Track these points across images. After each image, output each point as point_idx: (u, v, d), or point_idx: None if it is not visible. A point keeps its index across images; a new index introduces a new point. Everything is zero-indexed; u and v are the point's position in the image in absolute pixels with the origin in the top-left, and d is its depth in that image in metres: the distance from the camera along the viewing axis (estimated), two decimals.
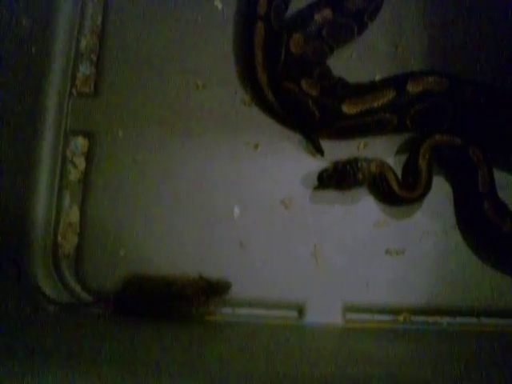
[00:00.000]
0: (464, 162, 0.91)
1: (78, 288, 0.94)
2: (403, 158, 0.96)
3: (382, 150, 0.96)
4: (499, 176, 0.93)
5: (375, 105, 0.89)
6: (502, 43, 1.00)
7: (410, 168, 0.93)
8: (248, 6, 1.00)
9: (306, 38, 0.95)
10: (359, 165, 0.91)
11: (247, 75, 0.99)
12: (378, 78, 0.98)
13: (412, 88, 0.90)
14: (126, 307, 0.91)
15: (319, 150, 0.96)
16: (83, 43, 1.02)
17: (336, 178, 0.91)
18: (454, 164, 0.93)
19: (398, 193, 0.91)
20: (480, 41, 1.00)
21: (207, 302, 0.89)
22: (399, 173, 0.95)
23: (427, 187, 0.92)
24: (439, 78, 0.90)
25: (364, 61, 1.00)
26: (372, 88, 0.92)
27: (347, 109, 0.90)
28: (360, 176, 0.91)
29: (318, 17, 0.95)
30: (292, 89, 0.92)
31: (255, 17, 0.97)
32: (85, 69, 1.01)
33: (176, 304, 0.89)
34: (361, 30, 0.99)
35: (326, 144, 0.96)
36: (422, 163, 0.91)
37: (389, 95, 0.90)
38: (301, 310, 0.93)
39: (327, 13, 0.96)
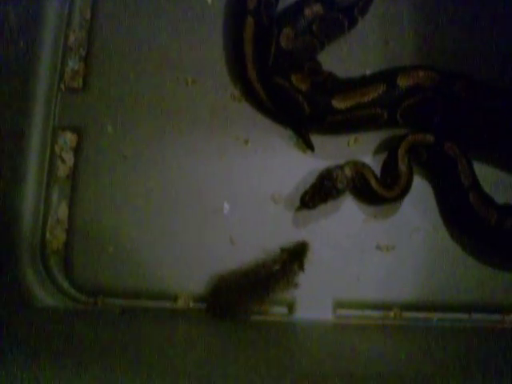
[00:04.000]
0: (442, 158, 0.91)
1: (66, 284, 0.94)
2: None
3: (373, 146, 0.96)
4: (488, 171, 0.94)
5: (365, 99, 0.89)
6: (492, 37, 1.00)
7: (390, 170, 0.92)
8: (238, 1, 0.99)
9: (296, 32, 0.94)
10: (334, 175, 0.90)
11: (237, 70, 0.98)
12: (368, 72, 0.98)
13: (402, 82, 0.90)
14: (221, 309, 0.90)
15: (310, 146, 0.95)
16: (72, 38, 1.01)
17: (318, 197, 0.90)
18: (433, 161, 0.93)
19: (378, 191, 0.91)
20: (470, 35, 1.00)
21: (298, 267, 0.90)
22: None
23: (407, 188, 0.92)
24: (429, 73, 0.90)
25: (355, 56, 1.00)
26: (362, 83, 0.92)
27: (337, 104, 0.89)
28: (339, 185, 0.90)
29: (308, 12, 0.95)
30: (282, 84, 0.92)
31: (245, 12, 0.96)
32: (73, 63, 1.00)
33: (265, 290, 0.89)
34: (351, 26, 0.99)
35: (316, 139, 0.96)
36: (402, 166, 0.91)
37: (379, 90, 0.89)
38: (291, 307, 0.92)
39: (317, 8, 0.95)
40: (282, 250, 0.90)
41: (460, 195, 0.90)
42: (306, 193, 0.91)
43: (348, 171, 0.91)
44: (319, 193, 0.90)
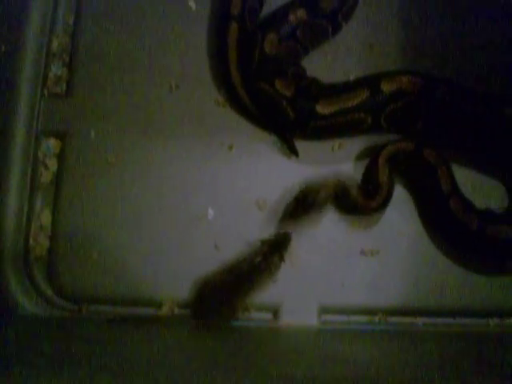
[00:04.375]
0: (422, 165, 0.91)
1: (49, 291, 0.93)
2: None
3: (357, 151, 0.96)
4: (471, 175, 0.94)
5: (349, 104, 0.89)
6: (478, 42, 1.00)
7: (371, 180, 0.92)
8: (222, 7, 0.99)
9: (280, 38, 0.94)
10: (316, 191, 0.90)
11: (221, 76, 0.98)
12: (352, 77, 0.98)
13: (386, 87, 0.90)
14: (206, 312, 0.90)
15: (294, 151, 0.95)
16: (55, 43, 1.00)
17: (301, 210, 0.90)
18: (413, 169, 0.93)
19: (359, 203, 0.91)
20: (454, 39, 1.00)
21: (279, 258, 0.90)
22: None
23: (388, 198, 0.92)
24: (412, 78, 0.90)
25: (339, 61, 1.00)
26: (346, 88, 0.92)
27: (321, 109, 0.89)
28: (321, 200, 0.90)
29: (292, 17, 0.95)
30: (266, 89, 0.92)
31: (229, 17, 0.96)
32: (57, 69, 0.99)
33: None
34: (335, 31, 0.99)
35: (300, 145, 0.95)
36: (383, 176, 0.90)
37: (363, 95, 0.89)
38: (276, 312, 0.92)
39: (301, 13, 0.95)
40: (263, 242, 0.91)
41: (440, 201, 0.90)
42: (288, 205, 0.91)
43: (330, 187, 0.90)
44: (302, 206, 0.90)
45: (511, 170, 0.94)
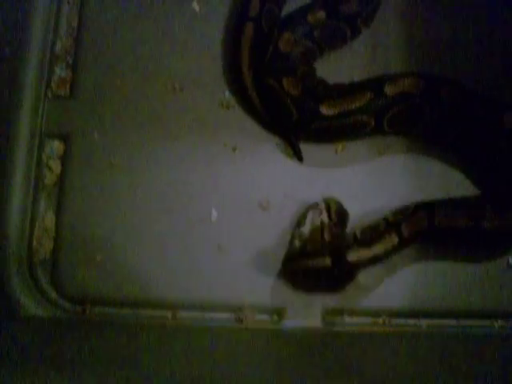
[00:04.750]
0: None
1: (53, 293, 0.93)
2: (380, 161, 0.96)
3: (361, 153, 0.96)
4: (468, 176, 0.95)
5: (353, 107, 0.89)
6: (480, 44, 1.01)
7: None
8: (240, 8, 1.00)
9: (296, 37, 0.95)
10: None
11: (233, 76, 0.98)
12: (356, 79, 0.98)
13: (389, 90, 0.90)
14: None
15: (299, 156, 0.95)
16: (59, 45, 1.01)
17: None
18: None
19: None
20: (457, 40, 1.01)
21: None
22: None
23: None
24: (416, 80, 0.90)
25: (343, 62, 1.00)
26: (351, 90, 0.92)
27: (325, 110, 0.89)
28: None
29: (310, 18, 0.95)
30: (273, 86, 0.92)
31: (246, 18, 0.97)
32: (60, 71, 1.00)
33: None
34: (354, 35, 1.00)
35: (304, 146, 0.95)
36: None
37: (366, 97, 0.89)
38: (280, 314, 0.92)
39: (321, 15, 0.95)
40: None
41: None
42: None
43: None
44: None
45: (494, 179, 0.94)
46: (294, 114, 0.91)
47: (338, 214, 0.89)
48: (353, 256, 0.85)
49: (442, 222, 0.87)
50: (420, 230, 0.87)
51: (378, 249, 0.86)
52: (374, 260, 0.87)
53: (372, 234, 0.88)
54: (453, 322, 0.94)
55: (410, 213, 0.89)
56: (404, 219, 0.88)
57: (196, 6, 1.01)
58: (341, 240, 0.88)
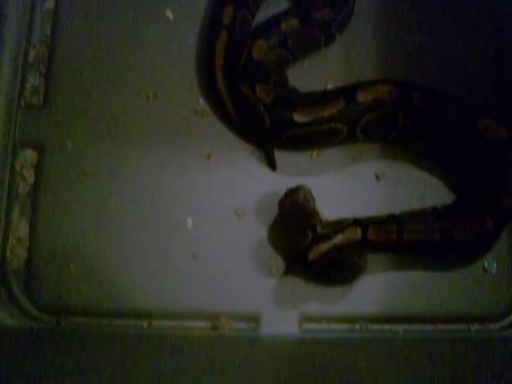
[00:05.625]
0: None
1: (27, 304, 0.92)
2: (354, 167, 0.97)
3: (334, 160, 0.97)
4: (443, 182, 0.96)
5: (325, 114, 0.89)
6: (453, 48, 1.02)
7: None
8: (213, 16, 1.00)
9: (269, 45, 0.95)
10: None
11: (207, 84, 0.98)
12: (329, 86, 0.99)
13: (362, 98, 0.90)
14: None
15: (272, 164, 0.95)
16: (32, 54, 1.00)
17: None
18: None
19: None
20: (433, 46, 1.02)
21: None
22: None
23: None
24: (388, 86, 0.91)
25: (316, 69, 1.00)
26: (324, 98, 0.92)
27: (298, 117, 0.90)
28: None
29: (284, 26, 0.96)
30: (246, 93, 0.92)
31: (220, 26, 0.97)
32: (34, 80, 0.99)
33: None
34: (328, 42, 1.00)
35: (279, 152, 0.96)
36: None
37: (339, 105, 0.89)
38: (257, 321, 0.92)
39: (294, 22, 0.96)
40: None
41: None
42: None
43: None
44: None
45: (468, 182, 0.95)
46: (266, 121, 0.91)
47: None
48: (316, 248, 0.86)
49: (410, 237, 0.88)
50: (387, 241, 0.88)
51: (339, 239, 0.87)
52: (335, 250, 0.87)
53: (336, 225, 0.88)
54: (430, 327, 0.94)
55: (381, 220, 0.89)
56: (372, 223, 0.88)
57: (169, 14, 1.01)
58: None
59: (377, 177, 0.97)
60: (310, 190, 0.89)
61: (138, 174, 0.95)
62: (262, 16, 1.00)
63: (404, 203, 0.95)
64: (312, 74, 1.00)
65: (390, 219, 0.90)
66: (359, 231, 0.87)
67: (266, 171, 0.96)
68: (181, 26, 1.01)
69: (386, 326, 0.93)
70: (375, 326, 0.93)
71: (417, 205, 0.95)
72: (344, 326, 0.93)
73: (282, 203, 0.88)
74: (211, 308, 0.92)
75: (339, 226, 0.88)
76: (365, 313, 0.93)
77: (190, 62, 0.99)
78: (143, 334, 0.91)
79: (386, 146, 0.97)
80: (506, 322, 0.95)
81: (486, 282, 0.95)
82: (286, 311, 0.92)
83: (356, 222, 0.89)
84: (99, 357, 0.86)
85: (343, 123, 0.90)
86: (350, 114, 0.90)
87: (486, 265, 0.95)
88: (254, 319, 0.92)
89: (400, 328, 0.93)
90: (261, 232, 0.94)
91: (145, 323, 0.92)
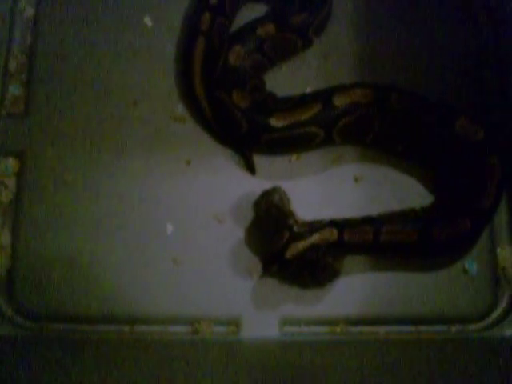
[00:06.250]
0: None
1: (9, 311, 0.93)
2: (334, 170, 0.97)
3: (314, 163, 0.97)
4: (422, 184, 0.96)
5: (302, 118, 0.90)
6: (429, 51, 1.03)
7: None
8: (191, 22, 1.01)
9: (246, 50, 0.96)
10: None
11: (185, 90, 0.99)
12: (308, 90, 0.99)
13: (338, 101, 0.91)
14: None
15: (251, 169, 0.96)
16: (13, 63, 1.01)
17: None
18: None
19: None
20: (407, 48, 1.03)
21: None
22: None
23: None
24: (364, 89, 0.91)
25: (295, 73, 1.01)
26: (301, 102, 0.93)
27: (275, 122, 0.90)
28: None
29: (260, 31, 0.96)
30: (223, 99, 0.93)
31: (197, 32, 0.98)
32: (14, 89, 1.00)
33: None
34: (305, 46, 1.01)
35: (257, 156, 0.96)
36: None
37: (315, 109, 0.90)
38: (237, 325, 0.92)
39: (270, 27, 0.97)
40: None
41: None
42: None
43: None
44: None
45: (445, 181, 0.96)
46: (243, 126, 0.91)
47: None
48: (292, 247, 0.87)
49: (387, 238, 0.88)
50: (363, 242, 0.88)
51: (315, 238, 0.87)
52: (312, 250, 0.87)
53: (313, 225, 0.89)
54: (410, 328, 0.94)
55: (357, 222, 0.89)
56: (349, 225, 0.89)
57: (148, 21, 1.02)
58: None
59: (356, 180, 0.97)
60: (285, 192, 0.90)
61: (118, 181, 0.96)
62: (240, 22, 1.01)
63: (383, 205, 0.95)
64: (291, 79, 1.01)
65: (367, 221, 0.90)
66: (335, 232, 0.88)
67: (245, 176, 0.97)
68: (160, 33, 1.02)
69: (367, 328, 0.94)
70: (356, 328, 0.94)
71: (396, 207, 0.95)
72: (324, 329, 0.93)
73: (257, 205, 0.89)
74: (192, 312, 0.92)
75: (316, 226, 0.89)
76: (345, 315, 0.93)
77: (169, 68, 1.00)
78: (125, 339, 0.92)
79: (364, 149, 0.98)
80: (486, 322, 0.95)
81: (466, 283, 0.95)
82: (267, 314, 0.93)
83: (332, 223, 0.89)
84: (82, 362, 0.87)
85: (320, 127, 0.91)
86: (327, 118, 0.91)
87: (466, 265, 0.95)
88: (235, 323, 0.92)
89: (381, 329, 0.93)
90: (241, 236, 0.94)
91: (126, 328, 0.92)
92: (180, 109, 0.99)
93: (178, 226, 0.95)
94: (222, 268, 0.93)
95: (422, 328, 0.94)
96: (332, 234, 0.88)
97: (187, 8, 1.03)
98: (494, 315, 0.96)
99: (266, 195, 0.89)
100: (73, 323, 0.93)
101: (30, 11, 1.03)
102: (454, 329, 0.94)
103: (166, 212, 0.95)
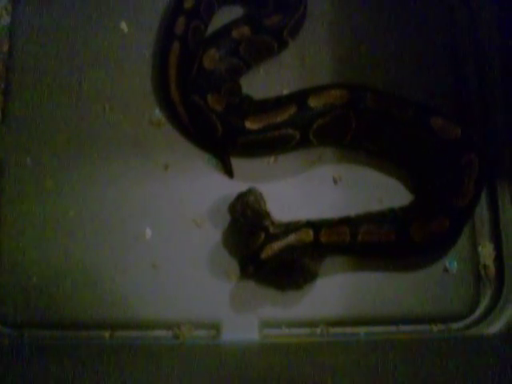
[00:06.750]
0: None
1: None
2: (312, 172, 0.97)
3: (292, 165, 0.97)
4: (401, 183, 0.96)
5: (277, 120, 0.90)
6: (409, 51, 1.03)
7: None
8: (166, 26, 1.01)
9: (220, 54, 0.96)
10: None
11: (162, 94, 0.99)
12: (285, 92, 0.99)
13: (314, 103, 0.90)
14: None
15: (229, 172, 0.96)
16: None
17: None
18: None
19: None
20: (386, 49, 1.02)
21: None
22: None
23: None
24: (340, 90, 0.91)
25: (272, 75, 1.01)
26: (276, 104, 0.93)
27: (250, 124, 0.90)
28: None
29: (235, 34, 0.96)
30: (198, 103, 0.93)
31: (173, 37, 0.98)
32: None
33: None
34: (281, 47, 1.00)
35: (235, 160, 0.96)
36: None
37: (290, 111, 0.90)
38: (217, 328, 0.92)
39: (245, 30, 0.96)
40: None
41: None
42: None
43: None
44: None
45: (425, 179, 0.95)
46: (219, 129, 0.91)
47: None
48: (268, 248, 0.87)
49: (365, 238, 0.88)
50: (340, 242, 0.88)
51: (291, 238, 0.87)
52: (288, 250, 0.87)
53: (289, 226, 0.89)
54: (392, 328, 0.94)
55: (333, 222, 0.89)
56: (325, 225, 0.89)
57: (124, 26, 1.02)
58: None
59: (335, 180, 0.97)
60: (260, 193, 0.90)
61: (97, 187, 0.96)
62: (217, 25, 1.01)
63: (362, 206, 0.95)
64: (268, 81, 1.00)
65: (344, 221, 0.90)
66: (311, 233, 0.88)
67: (223, 179, 0.97)
68: (136, 38, 1.02)
69: (348, 329, 0.94)
70: (336, 330, 0.94)
71: (375, 207, 0.95)
72: (305, 331, 0.93)
73: (232, 207, 0.89)
74: (172, 317, 0.92)
75: (291, 226, 0.89)
76: (326, 316, 0.93)
77: (146, 73, 1.00)
78: (106, 344, 0.92)
79: (343, 150, 0.98)
80: (468, 321, 0.95)
81: (447, 282, 0.95)
82: (247, 317, 0.93)
83: (308, 224, 0.89)
84: (62, 369, 0.87)
85: (295, 129, 0.91)
86: (302, 120, 0.91)
87: (446, 264, 0.95)
88: (215, 326, 0.92)
89: (362, 330, 0.94)
90: (219, 239, 0.95)
91: (107, 334, 0.92)
92: (157, 113, 0.99)
93: (156, 230, 0.95)
94: (202, 272, 0.93)
95: (404, 328, 0.94)
96: (308, 235, 0.88)
97: (163, 13, 1.02)
98: (476, 314, 0.96)
99: (242, 197, 0.89)
100: (52, 330, 0.93)
101: (6, 20, 1.03)
102: (435, 328, 0.94)
103: (145, 216, 0.95)
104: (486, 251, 0.97)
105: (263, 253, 0.86)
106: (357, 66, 1.01)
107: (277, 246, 0.86)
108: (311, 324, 0.93)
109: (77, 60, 1.01)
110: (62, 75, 1.00)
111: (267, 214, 0.89)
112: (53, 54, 1.01)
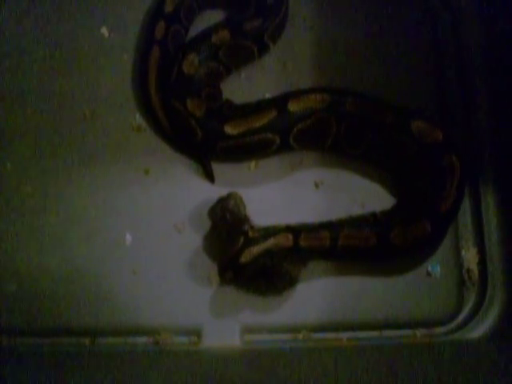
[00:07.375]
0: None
1: None
2: (294, 176, 0.97)
3: (273, 170, 0.97)
4: (383, 188, 0.96)
5: (257, 125, 0.90)
6: (391, 54, 1.03)
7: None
8: (146, 31, 1.01)
9: (200, 58, 0.95)
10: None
11: (141, 99, 0.99)
12: (268, 96, 0.99)
13: (294, 107, 0.90)
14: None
15: (210, 177, 0.96)
16: None
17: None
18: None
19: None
20: (368, 52, 1.02)
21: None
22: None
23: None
24: (320, 94, 0.91)
25: (253, 80, 1.01)
26: (256, 109, 0.93)
27: (230, 129, 0.90)
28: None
29: (215, 38, 0.96)
30: (178, 108, 0.92)
31: (153, 42, 0.98)
32: None
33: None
34: (262, 52, 1.00)
35: (216, 165, 0.96)
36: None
37: (270, 115, 0.90)
38: (198, 334, 0.92)
39: (225, 34, 0.96)
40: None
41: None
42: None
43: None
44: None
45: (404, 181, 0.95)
46: (198, 134, 0.91)
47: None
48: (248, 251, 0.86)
49: (346, 243, 0.88)
50: (320, 247, 0.88)
51: (270, 243, 0.86)
52: (267, 255, 0.86)
53: (268, 230, 0.88)
54: (374, 333, 0.94)
55: (314, 227, 0.89)
56: (305, 230, 0.88)
57: (105, 31, 1.02)
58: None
59: (316, 185, 0.97)
60: (240, 197, 0.90)
61: (77, 192, 0.96)
62: (198, 30, 1.01)
63: (344, 210, 0.94)
64: (250, 86, 1.00)
65: (325, 225, 0.90)
66: (290, 237, 0.87)
67: (204, 184, 0.96)
68: (116, 43, 1.02)
69: (330, 334, 0.93)
70: (318, 335, 0.93)
71: (357, 211, 0.95)
72: (287, 336, 0.93)
73: (212, 211, 0.89)
74: (152, 323, 0.92)
75: (271, 231, 0.88)
76: (307, 321, 0.93)
77: (126, 78, 1.00)
78: (86, 351, 0.91)
79: (324, 154, 0.97)
80: (451, 325, 0.94)
81: (430, 286, 0.94)
82: (228, 323, 0.92)
83: (288, 229, 0.89)
84: (42, 376, 0.86)
85: (275, 133, 0.90)
86: (282, 124, 0.90)
87: (429, 269, 0.95)
88: (196, 332, 0.92)
89: (344, 335, 0.93)
90: (200, 244, 0.94)
91: (87, 341, 0.92)
92: (137, 118, 0.99)
93: (137, 235, 0.94)
94: (182, 277, 0.93)
95: (387, 333, 0.93)
96: (287, 239, 0.87)
97: (144, 18, 1.02)
98: (460, 318, 0.95)
99: (221, 201, 0.89)
100: (32, 336, 0.92)
101: None
102: (419, 333, 0.94)
103: (125, 222, 0.95)
104: (470, 255, 0.96)
105: (242, 257, 0.86)
106: (338, 69, 1.01)
107: (256, 250, 0.86)
108: (293, 329, 0.93)
109: (57, 65, 1.00)
110: (43, 80, 1.00)
111: (247, 219, 0.89)
112: (33, 60, 1.01)
